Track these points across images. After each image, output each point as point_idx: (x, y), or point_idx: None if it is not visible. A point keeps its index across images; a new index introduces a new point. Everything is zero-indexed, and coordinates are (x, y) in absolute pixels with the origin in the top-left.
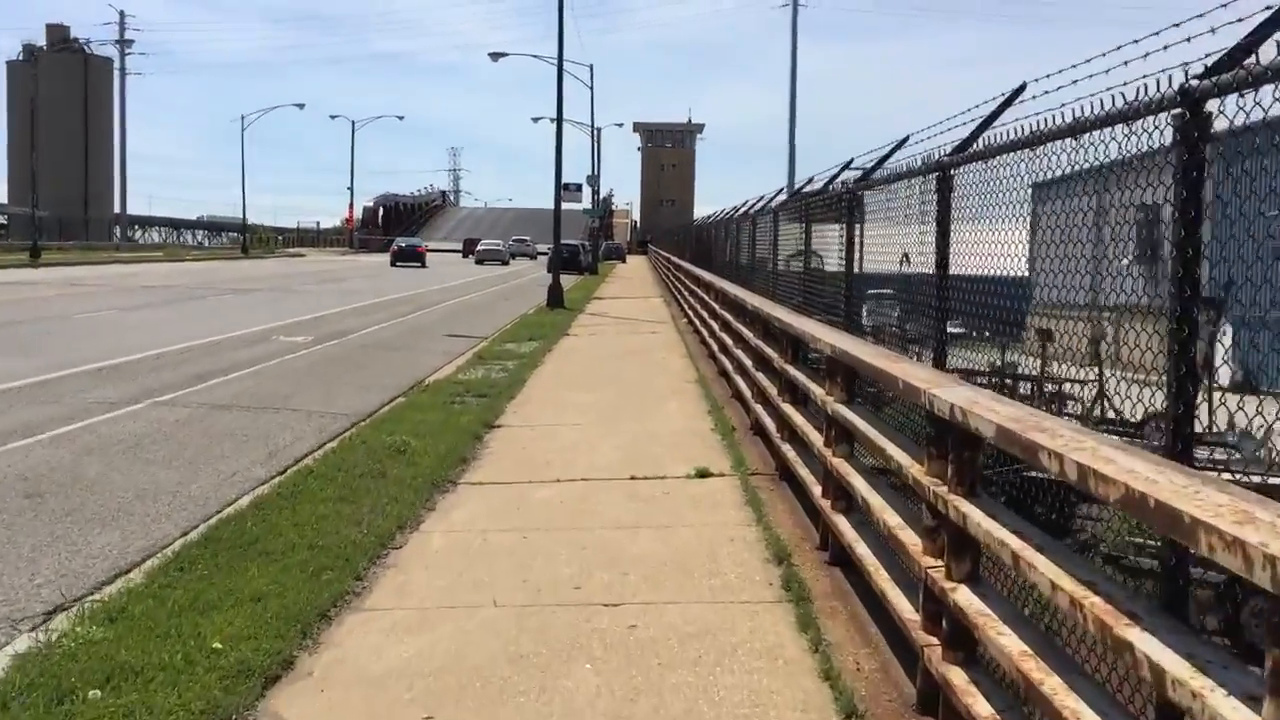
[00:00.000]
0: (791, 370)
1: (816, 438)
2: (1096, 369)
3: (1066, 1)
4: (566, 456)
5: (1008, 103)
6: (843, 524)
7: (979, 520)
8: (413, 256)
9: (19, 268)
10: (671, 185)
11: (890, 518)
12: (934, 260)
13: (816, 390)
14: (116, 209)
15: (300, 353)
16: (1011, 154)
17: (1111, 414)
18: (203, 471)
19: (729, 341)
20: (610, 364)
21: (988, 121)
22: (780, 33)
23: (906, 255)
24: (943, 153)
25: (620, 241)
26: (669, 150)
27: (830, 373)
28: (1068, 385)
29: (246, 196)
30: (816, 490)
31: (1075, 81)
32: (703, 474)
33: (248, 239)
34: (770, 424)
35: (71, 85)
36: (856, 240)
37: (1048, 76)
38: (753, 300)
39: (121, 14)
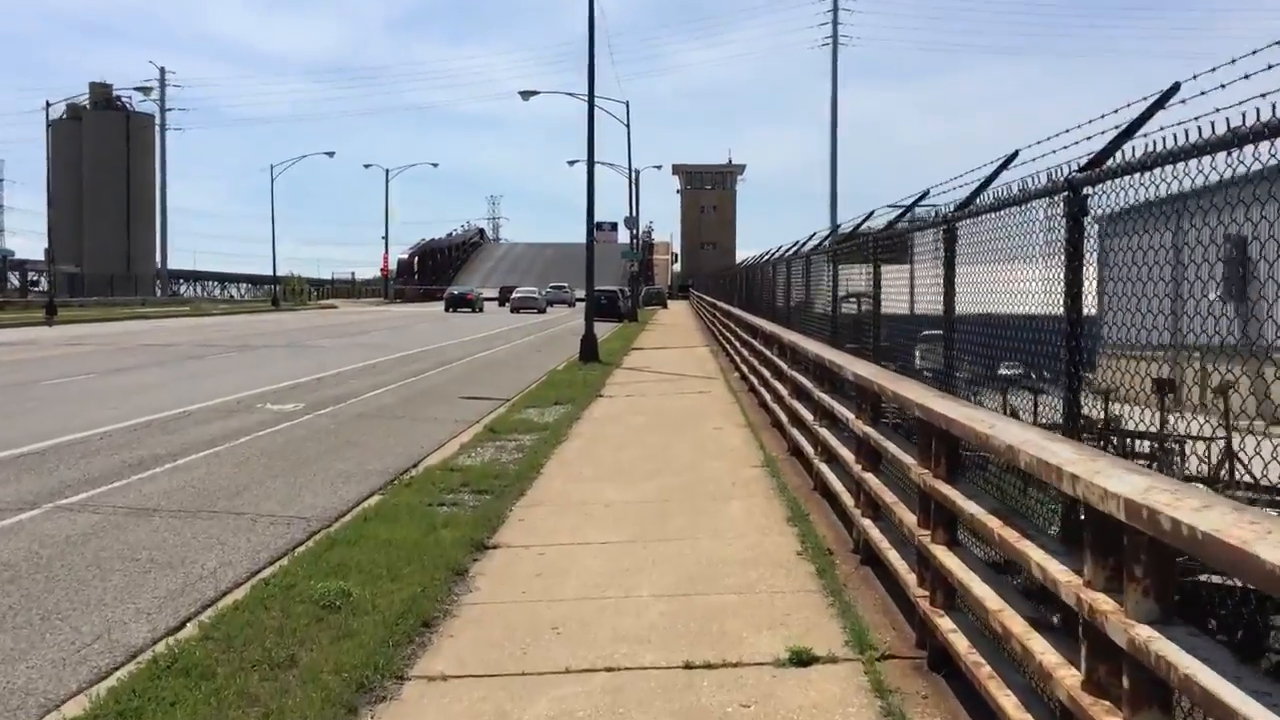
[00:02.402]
0: (958, 501)
1: (1047, 655)
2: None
3: (1115, 33)
4: (585, 614)
5: None
6: None
7: None
8: (464, 303)
9: (32, 326)
10: (712, 228)
11: None
12: None
13: (1056, 573)
14: (158, 264)
15: (281, 426)
16: None
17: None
18: (52, 635)
19: (804, 414)
20: (651, 438)
21: None
22: (820, 74)
23: None
24: None
25: (661, 285)
26: (709, 192)
27: (1093, 545)
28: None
29: (287, 249)
30: None
31: None
32: (802, 658)
33: (280, 291)
34: (896, 562)
35: (114, 143)
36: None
37: None
38: (856, 366)
39: (162, 70)
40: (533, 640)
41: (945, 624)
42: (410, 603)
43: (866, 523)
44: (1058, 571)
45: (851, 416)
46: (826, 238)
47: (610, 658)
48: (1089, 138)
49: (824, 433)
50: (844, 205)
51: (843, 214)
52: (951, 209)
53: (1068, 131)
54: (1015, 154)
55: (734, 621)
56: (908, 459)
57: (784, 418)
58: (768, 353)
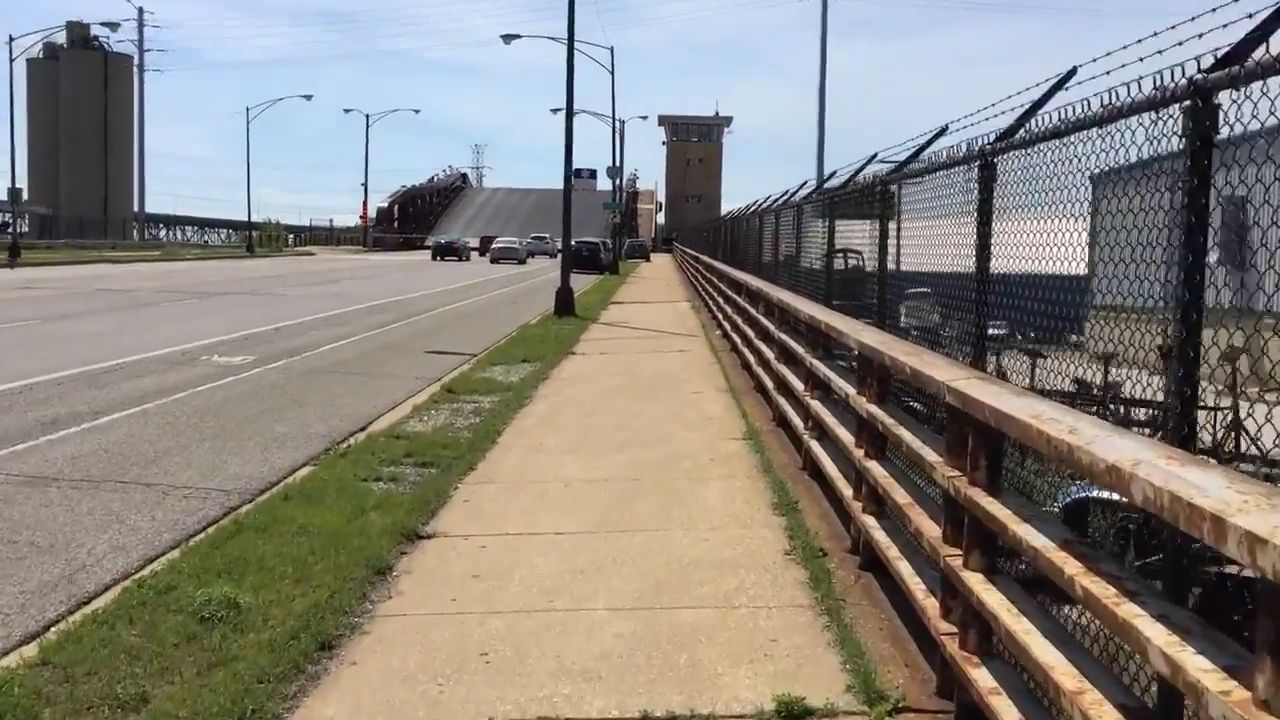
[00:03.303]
0: (1010, 525)
1: None
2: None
3: None
4: (525, 634)
5: None
6: None
7: None
8: (451, 251)
9: None
10: (697, 181)
11: None
12: None
13: (1198, 675)
14: (136, 208)
15: (224, 381)
16: None
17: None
18: None
19: (793, 381)
20: (623, 404)
21: None
22: (806, 28)
23: None
24: None
25: (645, 237)
26: (695, 144)
27: None
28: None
29: (270, 195)
30: None
31: None
32: (793, 710)
33: (256, 237)
34: (909, 577)
35: (91, 83)
36: None
37: None
38: (862, 334)
39: (140, 10)
40: (454, 672)
41: (983, 679)
42: (311, 615)
43: (868, 521)
44: (1199, 671)
45: (852, 391)
46: (820, 185)
47: (549, 702)
48: (1200, 35)
49: (815, 405)
50: (831, 160)
51: (830, 169)
52: (990, 140)
53: (1156, 35)
54: (1073, 71)
55: (707, 650)
56: (931, 455)
57: (769, 383)
58: (752, 311)
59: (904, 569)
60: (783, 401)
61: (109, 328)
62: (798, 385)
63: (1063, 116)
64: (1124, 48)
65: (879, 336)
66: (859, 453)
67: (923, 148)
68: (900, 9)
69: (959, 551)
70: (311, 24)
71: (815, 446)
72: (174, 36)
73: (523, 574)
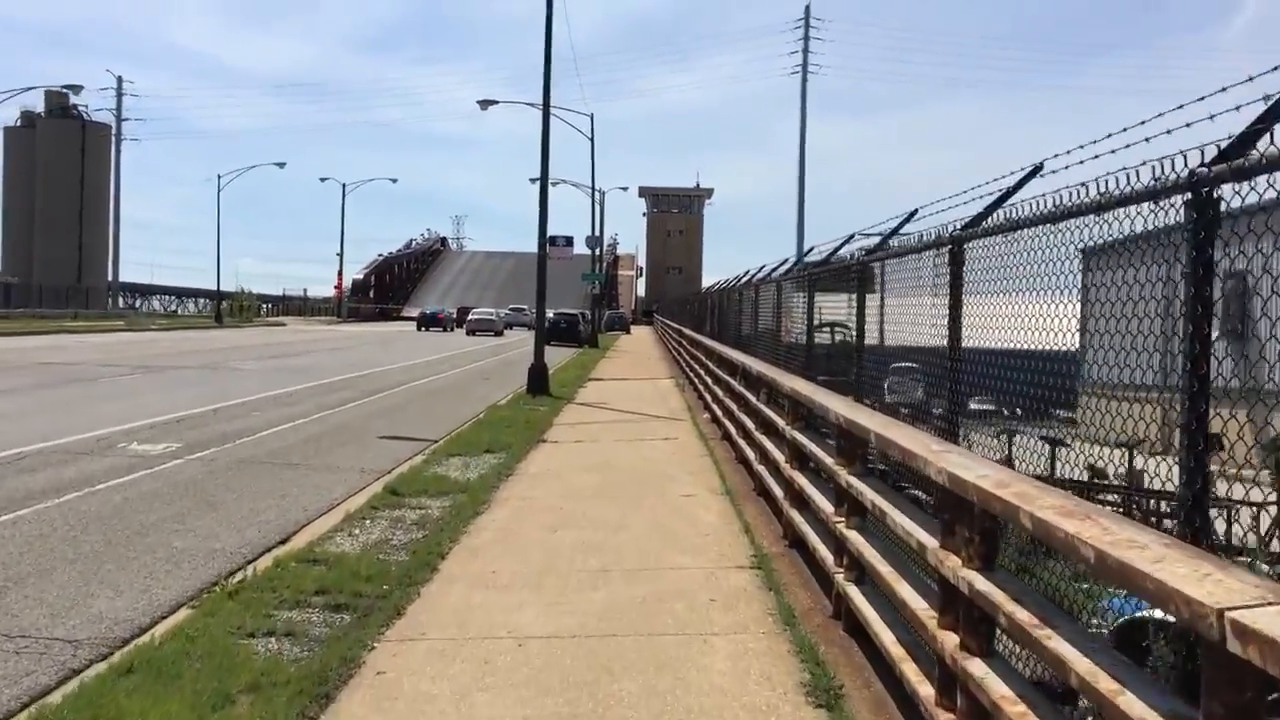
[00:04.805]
0: None
1: None
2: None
3: (1092, 71)
4: None
5: None
6: None
7: None
8: (436, 322)
9: None
10: (678, 252)
11: None
12: None
13: None
14: (110, 276)
15: (132, 476)
16: None
17: None
18: None
19: (817, 500)
20: (599, 512)
21: None
22: (786, 106)
23: None
24: None
25: (625, 309)
26: (676, 216)
27: None
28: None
29: (251, 265)
30: None
31: None
32: None
33: (225, 307)
34: None
35: (69, 151)
36: None
37: None
38: (950, 462)
39: (119, 79)
40: None
41: None
42: None
43: None
44: None
45: (931, 543)
46: (825, 257)
47: None
48: None
49: (854, 538)
50: (811, 234)
51: (809, 238)
52: (1201, 162)
53: None
54: None
55: None
56: (1145, 713)
57: (778, 490)
58: (751, 398)
59: None
60: (797, 517)
61: (25, 409)
62: (824, 506)
63: None
64: None
65: (1001, 474)
66: (948, 639)
67: (1005, 196)
68: (874, 85)
69: None
70: (291, 95)
71: (855, 594)
72: (153, 106)
73: None
